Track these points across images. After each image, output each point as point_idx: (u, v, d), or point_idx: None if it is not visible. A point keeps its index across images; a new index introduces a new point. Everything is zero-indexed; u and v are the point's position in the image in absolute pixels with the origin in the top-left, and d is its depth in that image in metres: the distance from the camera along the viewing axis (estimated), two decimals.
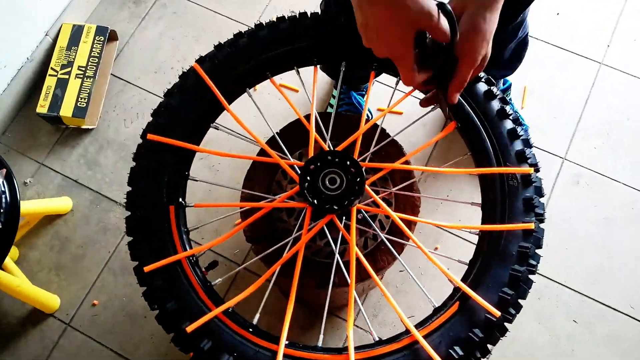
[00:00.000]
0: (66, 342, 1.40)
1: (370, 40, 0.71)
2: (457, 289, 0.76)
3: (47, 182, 1.56)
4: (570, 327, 1.37)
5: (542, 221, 0.77)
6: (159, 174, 0.83)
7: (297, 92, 1.62)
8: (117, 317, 1.42)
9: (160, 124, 0.86)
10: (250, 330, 0.75)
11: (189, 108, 0.88)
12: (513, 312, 0.72)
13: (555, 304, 1.39)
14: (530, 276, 0.74)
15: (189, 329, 0.72)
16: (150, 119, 0.88)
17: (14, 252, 1.46)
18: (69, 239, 1.50)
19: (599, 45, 1.68)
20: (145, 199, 0.82)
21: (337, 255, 0.82)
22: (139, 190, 0.82)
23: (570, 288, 1.40)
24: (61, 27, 1.66)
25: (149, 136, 0.84)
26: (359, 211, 0.86)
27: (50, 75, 1.60)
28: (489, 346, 0.72)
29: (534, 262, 0.74)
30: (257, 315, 0.77)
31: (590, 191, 1.51)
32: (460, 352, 0.69)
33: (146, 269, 0.76)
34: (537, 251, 0.76)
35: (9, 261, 1.36)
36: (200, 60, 0.91)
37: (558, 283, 1.41)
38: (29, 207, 1.39)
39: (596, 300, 1.39)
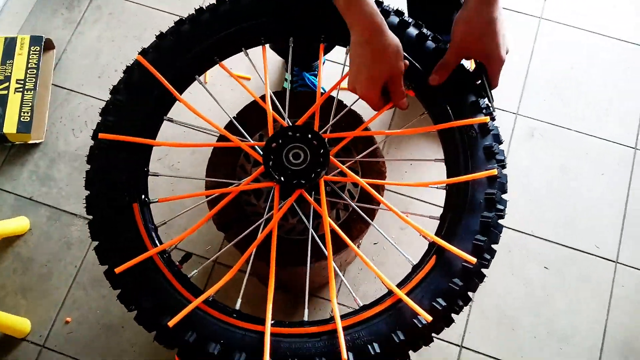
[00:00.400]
0: None
1: (352, 74, 0.81)
2: (432, 244, 0.77)
3: (0, 203, 1.49)
4: (542, 274, 1.42)
5: (504, 167, 0.78)
6: (116, 172, 0.80)
7: (249, 80, 1.60)
8: (93, 330, 1.38)
9: (111, 122, 0.83)
10: (234, 315, 0.74)
11: (138, 102, 0.85)
12: (488, 257, 0.74)
13: (526, 254, 1.43)
14: (500, 220, 0.76)
15: (171, 323, 0.70)
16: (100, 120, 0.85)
17: None
18: (31, 259, 1.44)
19: (536, 0, 1.73)
20: (106, 199, 0.79)
21: (311, 229, 0.82)
22: (98, 192, 0.80)
23: (537, 237, 1.45)
24: None
25: (101, 135, 0.81)
26: (327, 183, 0.86)
27: None
28: (470, 294, 0.73)
29: (501, 207, 0.76)
30: (239, 300, 0.76)
31: (544, 142, 1.56)
32: (443, 303, 0.71)
33: (117, 270, 0.73)
34: (503, 196, 0.77)
35: None
36: (144, 52, 0.88)
37: (526, 234, 1.45)
38: None
39: (563, 245, 1.44)
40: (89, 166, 0.82)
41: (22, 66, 1.56)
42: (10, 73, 1.55)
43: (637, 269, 1.42)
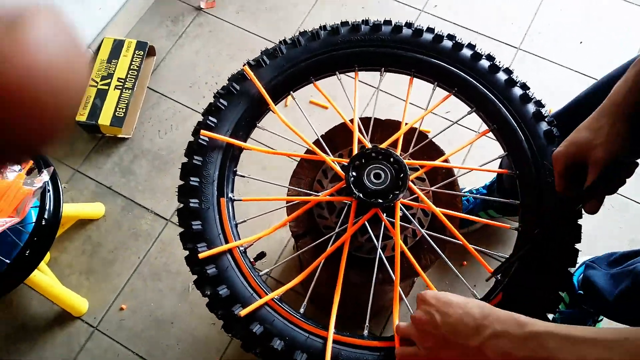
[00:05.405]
0: (93, 346, 1.40)
1: None
2: (499, 281, 0.77)
3: (82, 187, 1.60)
4: None
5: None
6: (210, 168, 0.86)
7: (327, 109, 1.66)
8: (144, 322, 1.43)
9: (211, 122, 0.90)
10: (300, 318, 0.76)
11: (237, 107, 0.91)
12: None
13: None
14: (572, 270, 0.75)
15: (243, 313, 0.73)
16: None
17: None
18: (100, 244, 1.52)
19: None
20: (198, 191, 0.84)
21: (379, 249, 0.83)
22: (191, 183, 0.85)
23: None
24: (103, 40, 1.73)
25: (202, 132, 0.87)
26: (400, 208, 0.88)
27: (90, 85, 1.66)
28: None
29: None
30: (304, 304, 0.78)
31: None
32: None
33: (201, 255, 0.77)
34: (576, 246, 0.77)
35: (41, 262, 1.37)
36: (249, 64, 0.95)
37: None
38: (63, 209, 1.42)
39: None
40: (186, 159, 0.88)
41: (125, 66, 1.69)
42: (114, 71, 1.68)
43: None
